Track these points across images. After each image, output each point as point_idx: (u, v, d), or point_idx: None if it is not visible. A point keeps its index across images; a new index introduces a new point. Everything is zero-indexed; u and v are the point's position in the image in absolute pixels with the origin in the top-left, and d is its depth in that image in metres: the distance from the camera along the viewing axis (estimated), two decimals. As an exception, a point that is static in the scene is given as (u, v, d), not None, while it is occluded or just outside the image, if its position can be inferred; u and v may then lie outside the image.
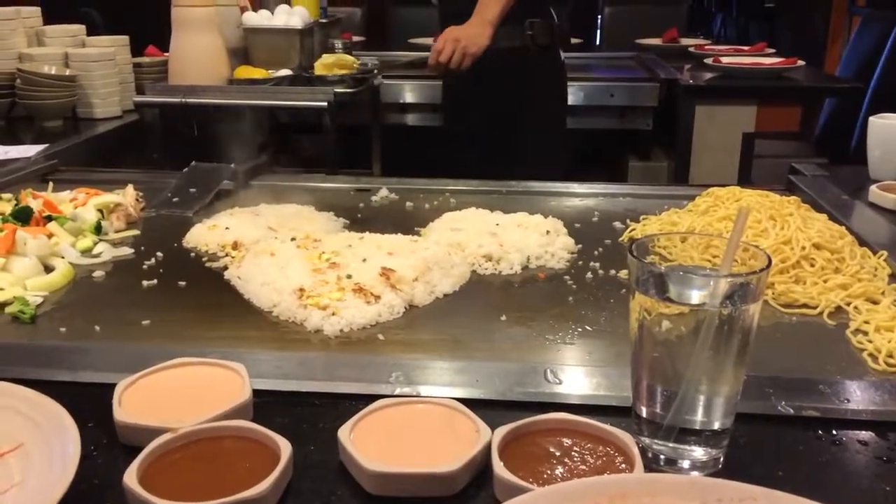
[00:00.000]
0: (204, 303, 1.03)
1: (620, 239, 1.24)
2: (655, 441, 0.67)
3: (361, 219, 1.34)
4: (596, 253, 1.17)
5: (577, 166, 3.20)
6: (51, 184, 1.38)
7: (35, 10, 2.43)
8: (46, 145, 1.90)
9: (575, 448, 0.65)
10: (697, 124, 2.82)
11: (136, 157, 2.08)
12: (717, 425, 0.66)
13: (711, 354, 0.62)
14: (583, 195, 1.50)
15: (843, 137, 3.04)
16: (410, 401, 0.72)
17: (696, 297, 0.63)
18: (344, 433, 0.66)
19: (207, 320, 0.97)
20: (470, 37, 1.95)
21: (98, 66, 2.23)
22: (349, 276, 1.01)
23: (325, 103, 1.99)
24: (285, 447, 0.64)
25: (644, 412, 0.68)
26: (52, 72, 2.15)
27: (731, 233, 0.63)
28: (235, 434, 0.67)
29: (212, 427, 0.67)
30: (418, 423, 0.69)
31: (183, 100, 2.03)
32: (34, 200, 1.24)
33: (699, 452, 0.66)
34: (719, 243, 1.03)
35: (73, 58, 2.24)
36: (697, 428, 0.66)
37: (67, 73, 2.18)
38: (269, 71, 2.16)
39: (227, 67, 2.14)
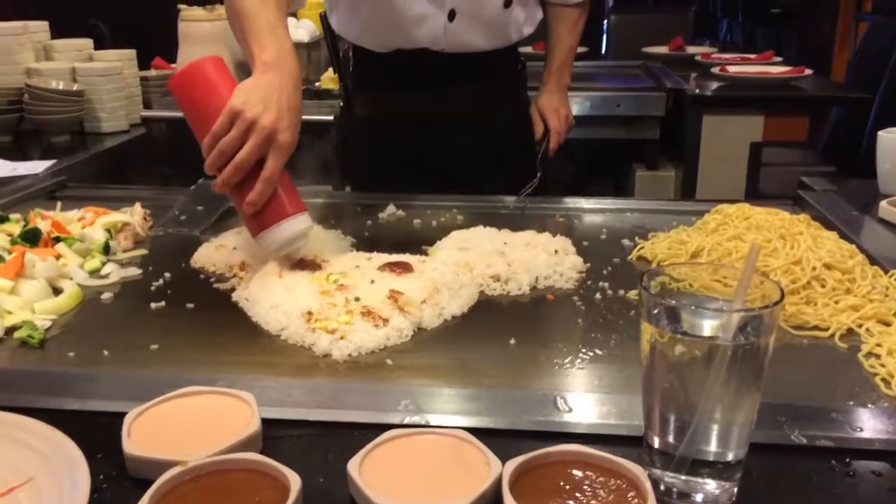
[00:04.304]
0: (212, 326, 1.02)
1: (629, 258, 1.23)
2: (667, 473, 0.67)
3: (369, 237, 1.34)
4: (605, 272, 1.17)
5: (584, 177, 3.20)
6: (59, 203, 1.38)
7: (43, 24, 2.45)
8: (54, 161, 1.91)
9: (586, 482, 0.65)
10: (705, 134, 2.82)
11: (144, 171, 2.09)
12: (731, 456, 0.65)
13: (725, 386, 0.62)
14: (590, 211, 1.49)
15: (850, 147, 3.03)
16: (420, 432, 0.71)
17: (708, 329, 0.63)
18: (353, 466, 0.66)
19: (216, 345, 0.97)
20: (569, 112, 1.75)
21: (105, 80, 2.24)
22: (357, 299, 1.00)
23: (332, 117, 1.99)
24: (294, 481, 0.63)
25: (656, 442, 0.67)
26: (60, 87, 2.16)
27: (744, 267, 0.62)
28: (245, 467, 0.67)
29: (221, 460, 0.67)
30: (428, 455, 0.68)
31: (190, 114, 2.05)
32: (43, 221, 1.24)
33: (712, 486, 0.65)
34: (727, 273, 1.03)
35: (80, 72, 2.25)
36: (711, 459, 0.65)
37: (75, 87, 2.19)
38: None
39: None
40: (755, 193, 2.79)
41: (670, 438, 0.66)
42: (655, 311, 0.64)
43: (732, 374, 0.61)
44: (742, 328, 0.61)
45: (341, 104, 1.77)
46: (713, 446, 0.65)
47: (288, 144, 1.07)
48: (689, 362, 0.62)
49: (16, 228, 1.23)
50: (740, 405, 0.64)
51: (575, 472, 0.66)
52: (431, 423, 0.75)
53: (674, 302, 0.64)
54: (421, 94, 1.56)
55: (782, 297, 0.62)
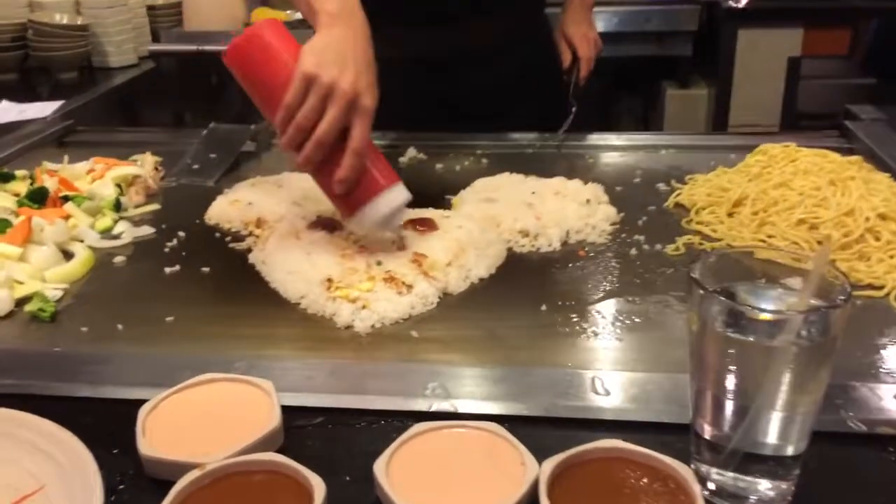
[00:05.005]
0: (229, 294, 0.98)
1: (665, 205, 1.16)
2: (714, 469, 0.62)
3: (389, 185, 1.27)
4: (640, 223, 1.10)
5: (611, 97, 3.08)
6: (66, 157, 1.32)
7: (42, -47, 2.34)
8: (62, 102, 1.85)
9: (629, 483, 0.60)
10: (740, 49, 2.68)
11: (155, 109, 2.02)
12: (790, 450, 0.59)
13: (787, 383, 0.56)
14: (622, 149, 1.41)
15: (893, 60, 2.87)
16: (449, 425, 0.67)
17: (767, 329, 0.56)
18: (380, 468, 0.62)
19: (233, 316, 0.93)
20: (597, 36, 1.60)
21: (111, 12, 2.15)
22: (379, 263, 0.95)
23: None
24: (319, 487, 0.60)
25: (706, 431, 0.61)
26: (64, 21, 2.08)
27: (813, 266, 0.55)
28: (266, 468, 0.63)
29: (241, 461, 0.63)
30: (458, 453, 0.64)
31: (199, 48, 1.95)
32: (50, 179, 1.19)
33: (766, 485, 0.61)
34: (773, 231, 0.95)
35: (84, 4, 2.15)
36: (768, 454, 0.60)
37: (79, 21, 2.10)
38: (289, 13, 2.06)
39: (243, 10, 2.05)
40: (792, 112, 2.67)
41: (723, 427, 0.60)
42: (705, 305, 0.58)
43: (795, 372, 0.56)
44: (807, 327, 0.55)
45: None
46: (772, 438, 0.59)
47: (372, 107, 0.93)
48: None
49: (22, 187, 1.19)
50: (804, 396, 0.58)
51: (616, 472, 0.61)
52: (460, 411, 0.71)
53: (728, 301, 0.57)
54: (440, 27, 1.46)
55: (850, 296, 0.55)
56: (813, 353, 0.55)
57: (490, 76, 1.50)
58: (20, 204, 1.12)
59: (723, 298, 0.57)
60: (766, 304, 0.59)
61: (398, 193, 0.97)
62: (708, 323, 0.58)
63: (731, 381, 0.58)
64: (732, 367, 0.57)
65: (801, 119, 2.74)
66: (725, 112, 2.72)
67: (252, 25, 0.97)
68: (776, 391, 0.57)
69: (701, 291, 0.57)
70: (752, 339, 0.56)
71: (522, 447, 0.63)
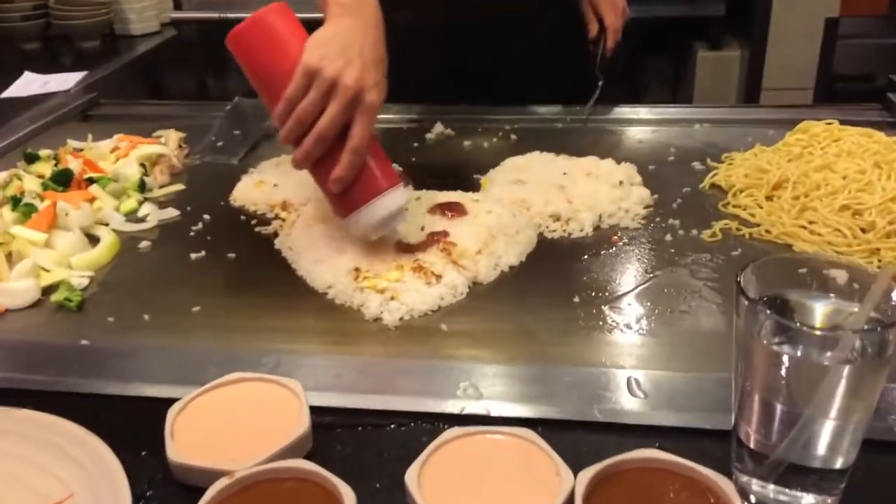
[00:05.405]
0: (255, 282, 0.97)
1: (701, 186, 1.12)
2: (755, 481, 0.60)
3: (416, 163, 1.24)
4: (674, 206, 1.07)
5: (640, 59, 2.99)
6: (90, 136, 1.31)
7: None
8: (85, 73, 1.83)
9: (667, 498, 0.58)
10: (776, 8, 2.59)
11: (178, 78, 2.00)
12: (839, 462, 0.57)
13: (839, 396, 0.54)
14: (655, 122, 1.37)
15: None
16: (482, 430, 0.65)
17: (819, 345, 0.54)
18: (412, 477, 0.61)
19: (260, 306, 0.91)
20: (625, 4, 1.50)
21: (132, -22, 2.12)
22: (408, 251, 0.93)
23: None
24: (349, 497, 0.59)
25: (750, 439, 0.59)
26: (85, -11, 2.05)
27: (872, 290, 0.52)
28: (296, 476, 0.62)
29: (270, 469, 0.62)
30: (492, 461, 0.63)
31: (220, 15, 1.92)
32: (74, 161, 1.18)
33: (809, 500, 0.59)
34: (814, 216, 0.92)
35: (105, -29, 2.12)
36: (815, 466, 0.57)
37: (101, -11, 2.07)
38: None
39: (265, -25, 2.01)
40: (828, 74, 2.58)
41: (769, 435, 0.57)
42: (751, 315, 0.55)
43: (848, 386, 0.53)
44: (861, 345, 0.52)
45: None
46: (821, 449, 0.56)
47: (376, 105, 0.89)
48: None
49: (47, 168, 1.18)
50: (859, 402, 0.55)
51: (654, 483, 0.60)
52: (493, 414, 0.70)
53: (778, 316, 0.54)
54: None
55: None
56: (867, 370, 0.53)
57: (517, 44, 1.45)
58: (45, 187, 1.11)
59: (769, 312, 0.54)
60: (818, 315, 0.57)
61: (399, 195, 0.92)
62: (754, 333, 0.55)
63: (779, 388, 0.55)
64: (781, 377, 0.55)
65: (837, 81, 2.65)
66: (759, 75, 2.64)
67: (259, 10, 0.92)
68: (829, 403, 0.54)
69: (746, 302, 0.55)
70: (800, 353, 0.54)
71: (557, 457, 0.62)
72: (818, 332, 0.54)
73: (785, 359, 0.54)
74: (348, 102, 0.87)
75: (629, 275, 0.93)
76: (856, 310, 0.55)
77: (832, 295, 0.57)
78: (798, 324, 0.54)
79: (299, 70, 0.87)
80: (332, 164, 0.89)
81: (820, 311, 0.57)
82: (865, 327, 0.53)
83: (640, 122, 1.37)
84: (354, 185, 0.90)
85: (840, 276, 0.57)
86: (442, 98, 1.44)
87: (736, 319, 0.57)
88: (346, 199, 0.91)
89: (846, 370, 0.52)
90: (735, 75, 2.76)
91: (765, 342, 0.55)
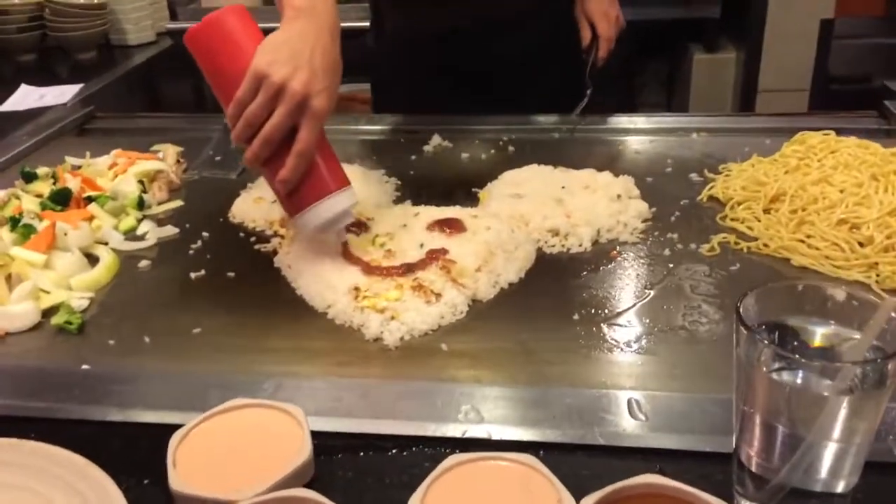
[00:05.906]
0: (256, 302, 0.97)
1: (699, 198, 1.13)
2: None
3: (413, 177, 1.25)
4: (672, 219, 1.07)
5: (635, 61, 3.00)
6: (87, 154, 1.31)
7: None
8: (81, 85, 1.83)
9: (669, 524, 0.59)
10: (771, 10, 2.60)
11: (174, 88, 1.99)
12: (840, 486, 0.58)
13: (840, 421, 0.54)
14: (651, 132, 1.37)
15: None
16: (483, 457, 0.65)
17: (817, 376, 0.54)
18: (414, 505, 0.61)
19: (260, 327, 0.91)
20: (619, 13, 1.48)
21: (127, -11, 2.12)
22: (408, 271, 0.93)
23: (368, 23, 1.85)
24: (352, 527, 0.59)
25: (752, 462, 0.59)
26: (82, 0, 2.04)
27: (871, 322, 0.52)
28: (298, 505, 0.62)
29: (273, 498, 0.62)
30: (494, 489, 0.63)
31: (217, 26, 1.92)
32: (73, 179, 1.18)
33: (810, 525, 0.59)
34: (812, 230, 0.92)
35: (100, -19, 2.12)
36: (817, 489, 0.58)
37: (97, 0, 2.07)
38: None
39: (261, -16, 2.01)
40: (824, 75, 2.59)
41: (770, 458, 0.57)
42: (751, 344, 0.55)
43: (848, 413, 0.53)
44: (861, 376, 0.52)
45: (370, 21, 1.63)
46: (823, 473, 0.56)
47: (323, 110, 0.91)
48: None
49: (45, 187, 1.18)
50: (861, 423, 0.55)
51: (656, 510, 0.60)
52: (494, 437, 0.70)
53: (778, 348, 0.54)
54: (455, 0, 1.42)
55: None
56: (868, 398, 0.53)
57: (510, 47, 1.45)
58: (43, 207, 1.11)
59: (768, 342, 0.54)
60: (819, 340, 0.57)
61: (344, 198, 0.95)
62: (754, 361, 0.55)
63: (780, 413, 0.55)
64: (782, 404, 0.55)
65: (833, 82, 2.65)
66: (755, 77, 2.65)
67: (215, 11, 0.94)
68: (830, 428, 0.54)
69: (746, 332, 0.55)
70: (801, 382, 0.54)
71: (559, 483, 0.62)
72: (818, 363, 0.54)
73: (786, 388, 0.54)
74: (295, 107, 0.89)
75: (628, 291, 0.93)
76: (857, 336, 0.55)
77: (832, 322, 0.57)
78: (797, 356, 0.54)
79: (249, 74, 0.89)
80: (280, 166, 0.91)
81: (820, 335, 0.57)
82: (867, 356, 0.53)
83: (637, 132, 1.38)
84: (302, 186, 0.93)
85: (841, 300, 0.57)
86: (435, 96, 1.44)
87: (736, 348, 0.57)
88: (294, 199, 0.94)
89: (845, 400, 0.52)
90: (731, 77, 2.76)
91: (765, 369, 0.55)
